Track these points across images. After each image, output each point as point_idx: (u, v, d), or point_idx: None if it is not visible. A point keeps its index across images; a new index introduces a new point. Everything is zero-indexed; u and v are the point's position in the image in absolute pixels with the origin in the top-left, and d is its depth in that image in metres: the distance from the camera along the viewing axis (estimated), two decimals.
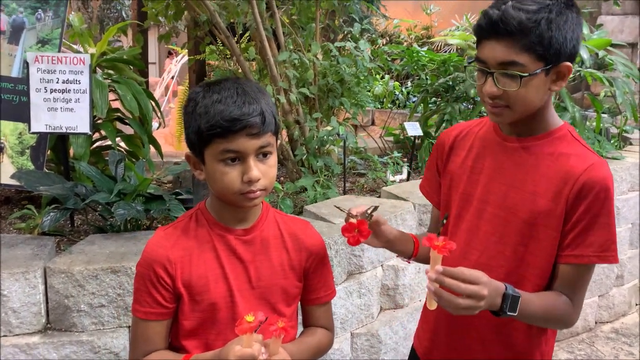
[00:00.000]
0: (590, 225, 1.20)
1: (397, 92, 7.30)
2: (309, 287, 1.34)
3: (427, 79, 4.31)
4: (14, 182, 2.40)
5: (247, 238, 1.25)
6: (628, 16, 9.10)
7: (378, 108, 7.24)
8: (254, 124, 1.13)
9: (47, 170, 2.59)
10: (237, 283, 1.23)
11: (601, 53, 4.07)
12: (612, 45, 4.31)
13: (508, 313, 1.14)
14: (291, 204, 2.75)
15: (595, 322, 3.71)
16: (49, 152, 2.67)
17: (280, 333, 1.06)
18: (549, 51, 1.14)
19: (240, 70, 3.39)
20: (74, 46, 3.18)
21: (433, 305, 1.15)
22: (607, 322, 3.76)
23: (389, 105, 7.08)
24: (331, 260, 2.24)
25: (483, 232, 1.31)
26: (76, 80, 2.34)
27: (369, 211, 1.33)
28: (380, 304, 2.59)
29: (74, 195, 2.23)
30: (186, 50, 4.57)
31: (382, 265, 2.56)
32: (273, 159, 1.20)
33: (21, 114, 2.52)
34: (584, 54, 3.80)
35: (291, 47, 3.22)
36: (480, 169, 1.34)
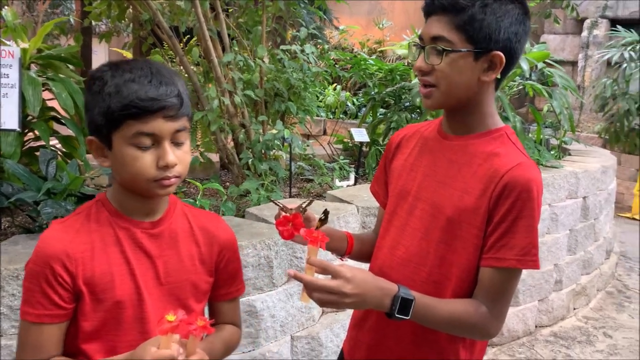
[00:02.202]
0: (512, 227, 1.16)
1: (348, 103, 7.36)
2: (219, 282, 1.29)
3: (375, 87, 4.36)
4: None
5: (154, 231, 1.18)
6: (569, 35, 9.54)
7: (330, 118, 7.28)
8: (171, 106, 1.07)
9: None
10: (145, 280, 1.16)
11: (540, 65, 4.22)
12: (554, 62, 4.49)
13: (397, 315, 1.13)
14: (234, 208, 2.70)
15: (535, 326, 3.80)
16: None
17: (201, 332, 1.01)
18: (479, 34, 1.14)
19: (184, 72, 3.33)
20: (8, 42, 3.05)
21: (306, 299, 1.14)
22: (547, 325, 3.86)
23: (341, 115, 7.13)
24: (271, 262, 2.20)
25: (411, 228, 1.30)
26: (5, 75, 2.23)
27: (303, 205, 1.30)
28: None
29: (1, 194, 2.11)
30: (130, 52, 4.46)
31: None
32: (187, 145, 1.15)
33: None
34: (524, 65, 3.93)
35: (236, 49, 3.19)
36: (418, 167, 1.34)
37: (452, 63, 1.16)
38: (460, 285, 1.23)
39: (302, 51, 3.25)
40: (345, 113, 7.31)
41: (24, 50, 2.73)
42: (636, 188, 6.98)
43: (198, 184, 2.78)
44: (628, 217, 6.96)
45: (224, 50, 3.24)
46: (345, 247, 1.43)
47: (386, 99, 4.29)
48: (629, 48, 7.46)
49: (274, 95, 3.45)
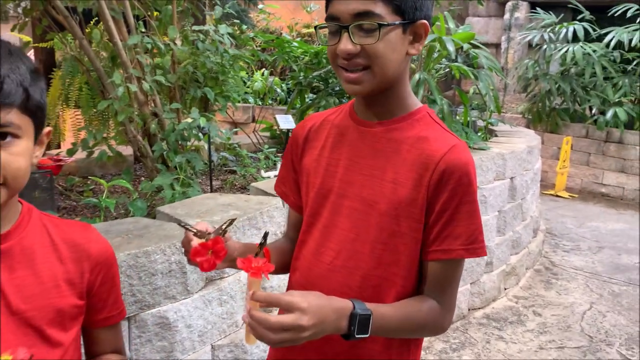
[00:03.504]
0: (455, 215, 1.08)
1: (277, 89, 7.13)
2: (96, 305, 1.08)
3: (301, 72, 4.18)
4: None
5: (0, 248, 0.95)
6: (492, 18, 9.73)
7: (259, 105, 7.02)
8: None
9: None
10: None
11: (466, 46, 4.18)
12: (479, 44, 4.47)
13: (357, 336, 0.99)
14: (144, 206, 2.44)
15: (468, 309, 3.79)
16: None
17: None
18: (407, 3, 1.04)
19: (86, 57, 3.00)
20: None
21: (251, 340, 0.97)
22: (479, 308, 3.86)
23: (270, 101, 6.89)
24: (184, 267, 1.98)
25: (339, 229, 1.14)
26: None
27: (223, 226, 1.10)
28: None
29: None
30: (30, 38, 4.03)
31: None
32: (20, 145, 0.90)
33: None
34: (450, 46, 3.86)
35: (143, 30, 2.89)
36: (337, 160, 1.17)
37: (385, 39, 1.04)
38: (403, 284, 1.11)
39: (216, 32, 2.99)
40: (274, 99, 7.08)
41: None
42: (558, 166, 7.22)
43: (102, 181, 2.50)
44: (552, 195, 7.19)
45: (130, 32, 2.93)
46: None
47: (314, 84, 4.12)
48: (548, 30, 7.65)
49: (190, 81, 3.19)
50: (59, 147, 4.10)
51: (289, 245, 1.29)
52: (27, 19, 2.84)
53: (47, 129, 0.98)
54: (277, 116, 3.45)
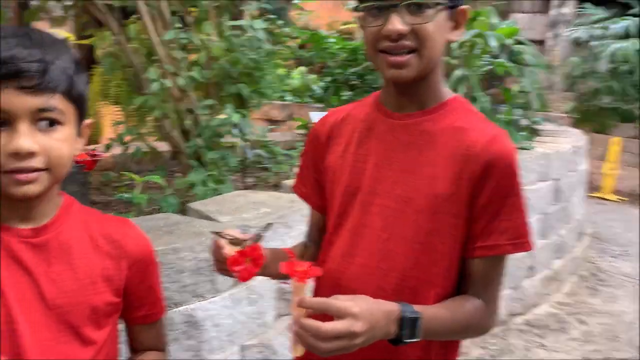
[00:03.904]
0: (500, 208, 1.02)
1: (314, 86, 7.08)
2: (133, 303, 1.06)
3: (338, 68, 4.11)
4: None
5: (36, 241, 0.94)
6: (537, 14, 9.42)
7: (297, 102, 6.99)
8: (28, 72, 0.83)
9: None
10: (21, 303, 0.91)
11: (510, 41, 4.03)
12: (522, 42, 4.31)
13: (408, 340, 0.93)
14: (176, 202, 2.43)
15: (508, 315, 3.64)
16: None
17: None
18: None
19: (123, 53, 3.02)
20: None
21: (298, 351, 0.92)
22: (520, 314, 3.71)
23: (307, 99, 6.85)
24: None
25: (371, 229, 1.08)
26: None
27: (261, 233, 1.05)
28: (277, 310, 2.32)
29: None
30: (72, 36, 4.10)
31: None
32: (64, 132, 0.90)
33: None
34: (492, 42, 3.72)
35: (179, 25, 2.88)
36: (365, 156, 1.10)
37: (435, 21, 0.99)
38: (443, 285, 1.05)
39: (252, 27, 2.96)
40: (311, 97, 7.04)
41: None
42: (605, 168, 6.92)
43: (135, 176, 2.50)
44: (599, 198, 6.90)
45: (166, 28, 2.93)
46: None
47: (351, 81, 4.05)
48: (597, 26, 7.34)
49: (226, 77, 3.17)
50: (97, 143, 4.16)
51: (314, 249, 1.23)
52: (66, 15, 2.87)
53: (88, 121, 0.97)
54: (311, 113, 3.40)
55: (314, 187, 1.22)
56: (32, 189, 0.87)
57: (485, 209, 1.02)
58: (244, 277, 1.02)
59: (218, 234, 1.06)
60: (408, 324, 0.93)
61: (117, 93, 3.88)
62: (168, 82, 2.69)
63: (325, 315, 0.90)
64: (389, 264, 1.06)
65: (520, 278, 3.64)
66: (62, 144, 0.89)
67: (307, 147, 1.24)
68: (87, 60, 4.16)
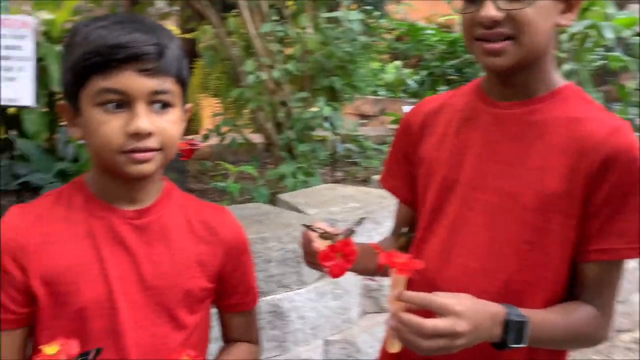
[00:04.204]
0: (619, 208, 0.93)
1: (409, 80, 6.94)
2: (226, 290, 1.06)
3: (433, 61, 3.98)
4: None
5: (139, 222, 0.96)
6: None
7: (390, 97, 6.89)
8: (146, 55, 0.86)
9: None
10: (122, 282, 0.94)
11: (628, 33, 3.68)
12: None
13: (513, 345, 0.87)
14: (266, 193, 2.47)
15: (615, 331, 3.35)
16: None
17: None
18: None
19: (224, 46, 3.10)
20: (29, 13, 2.93)
21: (395, 347, 0.88)
22: (627, 330, 3.39)
23: (400, 94, 6.72)
24: (300, 258, 1.93)
25: (472, 226, 1.00)
26: (18, 46, 2.08)
27: (354, 228, 1.01)
28: (362, 307, 2.28)
29: (10, 176, 1.97)
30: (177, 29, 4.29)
31: None
32: (175, 114, 0.92)
33: None
34: (608, 33, 3.42)
35: (276, 18, 2.91)
36: (465, 147, 1.03)
37: (536, 4, 0.91)
38: (553, 289, 0.97)
39: (347, 19, 2.93)
40: (405, 91, 6.90)
41: (51, 22, 2.59)
42: None
43: (229, 166, 2.56)
44: None
45: (264, 21, 2.97)
46: (376, 263, 1.13)
47: (448, 75, 3.90)
48: None
49: (320, 70, 3.17)
50: (196, 133, 4.34)
51: (402, 243, 1.16)
52: (170, 10, 3.00)
53: (188, 105, 1.00)
54: (404, 107, 3.31)
55: (404, 179, 1.15)
56: (147, 168, 0.90)
57: (601, 208, 0.93)
58: (335, 273, 0.98)
59: (309, 227, 1.03)
60: (514, 328, 0.87)
61: (217, 85, 4.01)
62: (264, 75, 2.73)
63: (426, 311, 0.85)
64: (495, 265, 0.98)
65: (630, 291, 3.33)
66: (173, 125, 0.91)
67: (397, 137, 1.18)
68: (189, 54, 4.33)
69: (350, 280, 2.16)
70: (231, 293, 1.07)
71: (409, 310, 0.86)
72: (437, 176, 1.06)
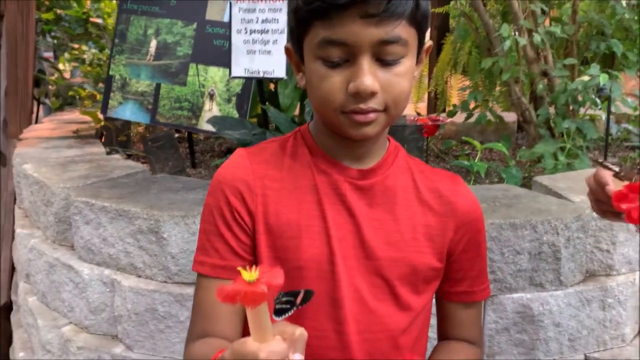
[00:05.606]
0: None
1: None
2: (454, 274, 0.91)
3: None
4: (211, 128, 2.35)
5: (362, 183, 0.86)
6: None
7: None
8: None
9: (248, 119, 2.50)
10: (343, 245, 0.84)
11: None
12: None
13: None
14: (519, 175, 2.13)
15: None
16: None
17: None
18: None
19: (476, 15, 2.81)
20: None
21: None
22: None
23: None
24: (559, 252, 1.60)
25: None
26: (274, 19, 2.16)
27: None
28: (637, 323, 1.81)
29: None
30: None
31: None
32: (405, 65, 0.79)
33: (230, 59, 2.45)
34: None
35: None
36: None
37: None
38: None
39: None
40: None
41: None
42: None
43: (476, 143, 2.30)
44: None
45: None
46: None
47: None
48: None
49: (593, 33, 2.64)
50: (444, 112, 4.14)
51: None
52: None
53: (427, 44, 0.85)
54: None
55: None
56: (370, 130, 0.80)
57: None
58: (633, 218, 0.83)
59: (601, 163, 0.89)
60: None
61: (467, 61, 3.74)
62: (522, 40, 2.37)
63: None
64: None
65: None
66: (401, 79, 0.79)
67: None
68: (440, 30, 4.14)
69: (626, 289, 1.71)
70: (459, 278, 0.91)
71: None
72: None
